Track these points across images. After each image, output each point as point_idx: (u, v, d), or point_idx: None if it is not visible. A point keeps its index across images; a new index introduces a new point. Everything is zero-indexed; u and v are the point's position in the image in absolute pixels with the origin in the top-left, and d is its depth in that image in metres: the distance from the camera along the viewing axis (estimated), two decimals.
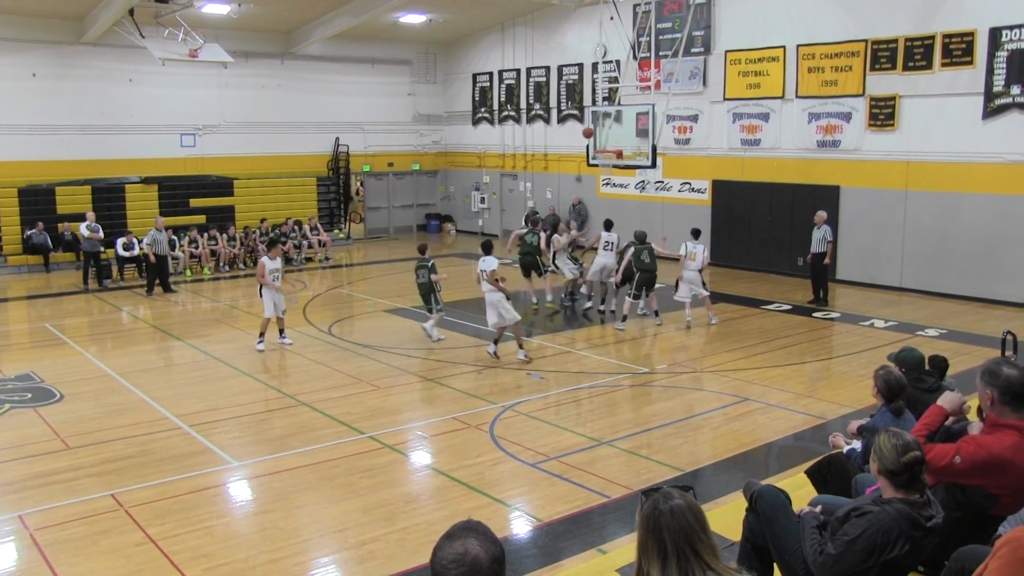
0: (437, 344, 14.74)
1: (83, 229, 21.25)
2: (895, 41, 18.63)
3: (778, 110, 21.05)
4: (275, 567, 7.11)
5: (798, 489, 6.05)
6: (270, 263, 14.51)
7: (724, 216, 22.72)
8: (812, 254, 17.88)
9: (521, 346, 13.79)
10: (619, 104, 20.08)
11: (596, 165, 20.54)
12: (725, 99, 22.17)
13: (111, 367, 13.52)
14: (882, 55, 18.89)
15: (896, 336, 14.82)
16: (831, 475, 6.15)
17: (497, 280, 13.44)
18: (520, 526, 7.93)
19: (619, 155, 18.64)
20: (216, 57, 22.89)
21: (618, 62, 22.01)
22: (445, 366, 13.44)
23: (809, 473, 6.35)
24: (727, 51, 21.98)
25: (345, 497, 8.49)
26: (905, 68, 18.50)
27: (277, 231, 24.04)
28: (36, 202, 23.88)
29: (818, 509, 4.98)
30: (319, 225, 26.50)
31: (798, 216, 19.75)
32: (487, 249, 14.06)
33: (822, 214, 17.85)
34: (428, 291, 14.79)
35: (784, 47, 20.66)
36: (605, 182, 25.83)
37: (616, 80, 21.15)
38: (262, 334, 14.52)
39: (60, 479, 9.02)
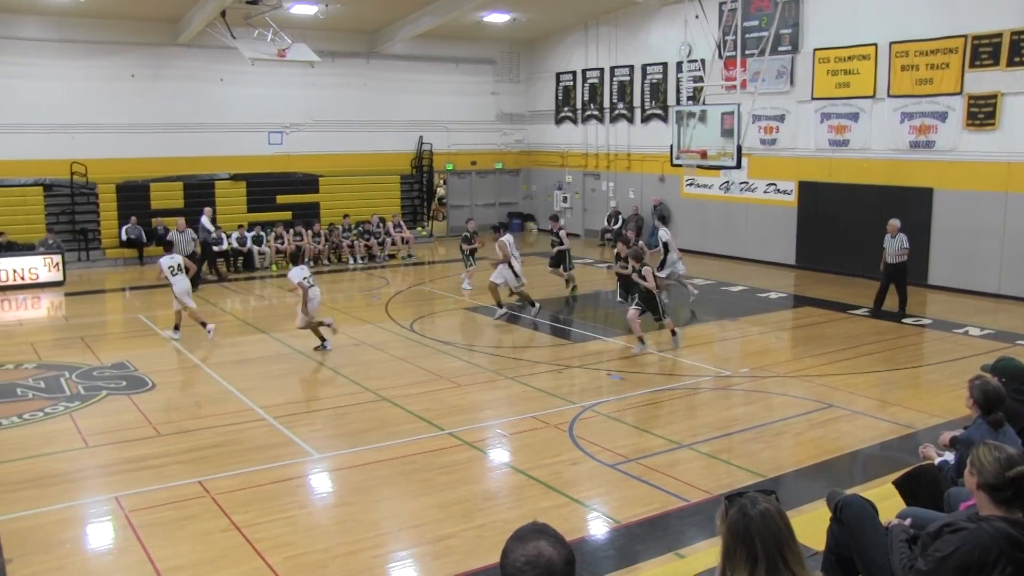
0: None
1: (204, 222, 22.02)
2: (999, 36, 17.91)
3: (868, 110, 20.50)
4: (353, 559, 7.21)
5: (884, 500, 5.87)
6: (300, 272, 14.31)
7: (810, 218, 22.22)
8: (889, 264, 16.76)
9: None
10: (704, 104, 19.79)
11: (680, 165, 20.33)
12: (813, 98, 21.68)
13: (199, 358, 13.90)
14: (983, 51, 18.19)
15: (992, 345, 14.28)
16: (921, 487, 5.93)
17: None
18: (597, 527, 7.89)
19: (703, 155, 18.42)
20: (303, 57, 23.34)
21: (703, 61, 21.74)
22: (525, 365, 13.45)
23: (897, 484, 6.14)
24: (815, 49, 21.49)
25: (423, 492, 8.56)
26: (1010, 64, 17.77)
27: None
28: (131, 198, 24.72)
29: (907, 522, 4.81)
30: (402, 222, 26.81)
31: (887, 219, 19.18)
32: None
33: (895, 223, 16.84)
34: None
35: (876, 45, 20.09)
36: (689, 183, 25.52)
37: (701, 79, 20.86)
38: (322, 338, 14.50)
39: (151, 464, 9.32)
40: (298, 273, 14.20)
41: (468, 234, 20.52)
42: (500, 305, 16.66)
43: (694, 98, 21.60)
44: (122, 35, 24.63)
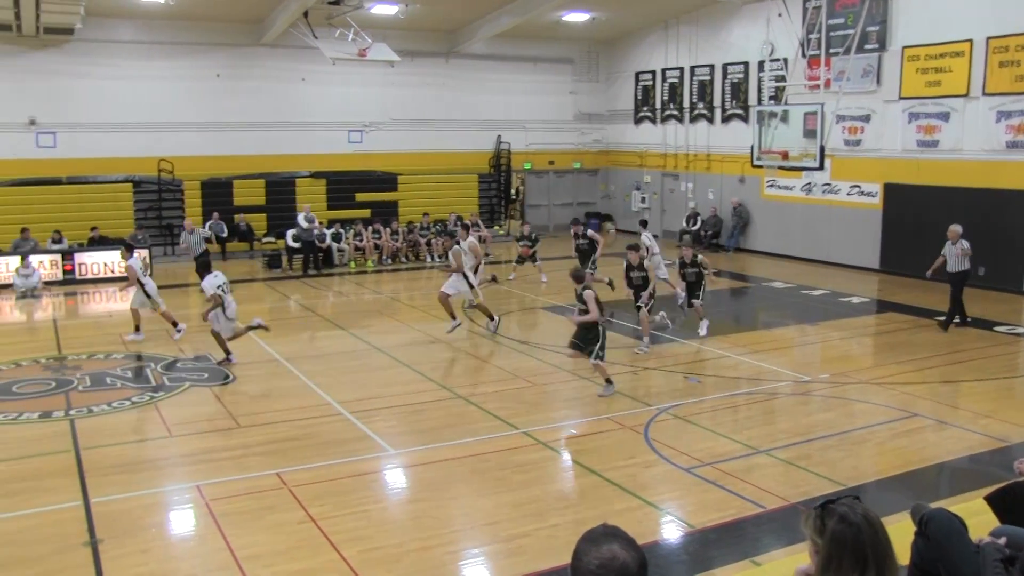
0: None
1: (301, 220, 22.52)
2: None
3: (960, 109, 19.82)
4: (427, 555, 7.25)
5: (974, 516, 5.64)
6: (214, 281, 13.61)
7: (896, 221, 21.59)
8: (951, 273, 15.40)
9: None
10: (786, 104, 19.42)
11: (761, 166, 19.99)
12: (900, 98, 21.05)
13: (279, 352, 14.15)
14: None
15: None
16: (1017, 504, 5.66)
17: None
18: (671, 531, 7.80)
19: (785, 156, 18.07)
20: (384, 56, 23.61)
21: (785, 60, 21.32)
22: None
23: (990, 500, 5.88)
24: (904, 47, 20.86)
25: (497, 491, 8.57)
26: None
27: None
28: (215, 194, 25.36)
29: (1002, 541, 4.61)
30: (480, 221, 26.92)
31: (980, 222, 18.48)
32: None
33: (956, 228, 15.54)
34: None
35: (971, 40, 19.38)
36: (769, 184, 25.07)
37: (783, 79, 20.47)
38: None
39: (231, 455, 9.54)
40: (212, 282, 13.47)
41: (522, 235, 21.29)
42: (453, 317, 15.23)
43: (776, 98, 21.21)
44: (208, 36, 25.28)
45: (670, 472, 9.01)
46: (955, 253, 15.30)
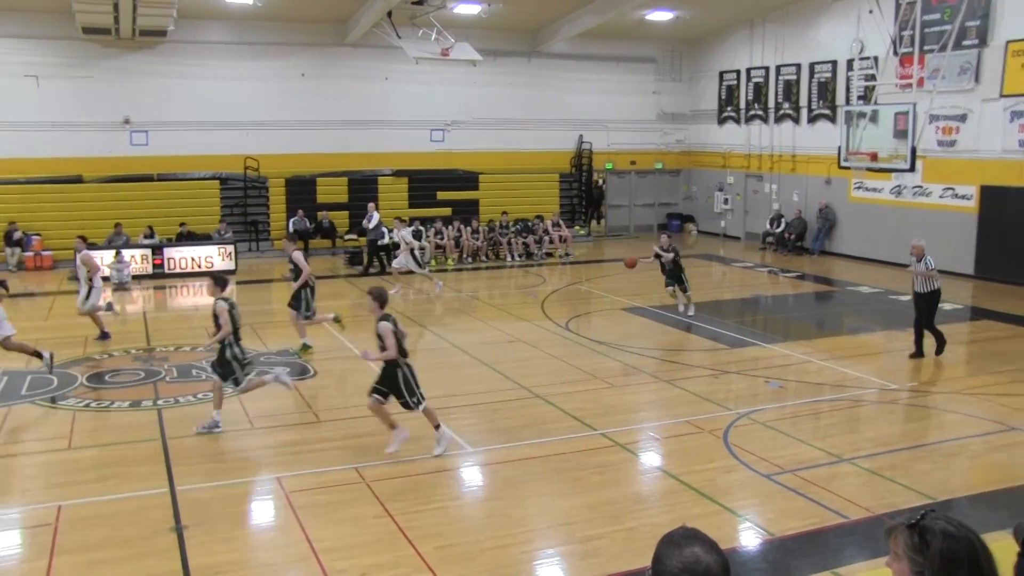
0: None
1: (376, 217, 22.87)
2: None
3: None
4: (502, 553, 7.25)
5: None
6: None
7: (994, 225, 20.74)
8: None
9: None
10: (875, 103, 18.87)
11: (848, 168, 19.48)
12: (1002, 96, 20.14)
13: (359, 348, 14.28)
14: None
15: None
16: None
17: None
18: (749, 538, 7.64)
19: (873, 157, 17.59)
20: (466, 56, 23.73)
21: (876, 58, 20.70)
22: (681, 368, 13.20)
23: None
24: (1009, 41, 19.87)
25: (573, 492, 8.52)
26: None
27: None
28: (299, 192, 25.84)
29: None
30: (561, 221, 26.88)
31: None
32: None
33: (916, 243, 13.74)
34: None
35: None
36: (857, 186, 24.41)
37: (873, 77, 19.88)
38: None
39: (311, 449, 9.69)
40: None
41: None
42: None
43: (865, 97, 20.63)
44: (294, 37, 25.77)
45: (750, 478, 8.84)
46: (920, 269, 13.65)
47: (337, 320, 14.06)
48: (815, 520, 7.81)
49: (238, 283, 21.36)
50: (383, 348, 9.29)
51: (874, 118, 17.71)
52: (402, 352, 9.32)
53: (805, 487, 8.52)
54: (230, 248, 22.91)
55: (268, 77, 25.89)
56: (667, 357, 13.91)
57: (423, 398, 9.49)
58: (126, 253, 21.51)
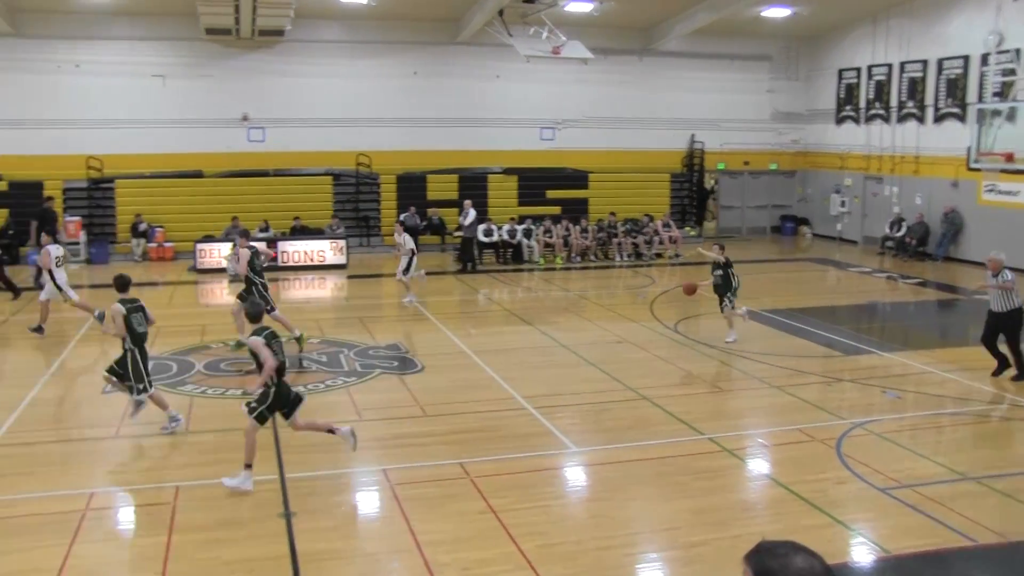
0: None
1: (470, 215, 23.04)
2: None
3: None
4: (604, 555, 7.15)
5: None
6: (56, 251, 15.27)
7: None
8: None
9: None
10: (1015, 100, 17.90)
11: (979, 169, 18.59)
12: None
13: (467, 345, 14.41)
14: None
15: None
16: None
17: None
18: (863, 554, 7.34)
19: (1009, 158, 16.74)
20: (577, 54, 23.63)
21: (1017, 51, 19.58)
22: (792, 374, 12.79)
23: None
24: None
25: (678, 496, 8.36)
26: None
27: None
28: (410, 188, 26.22)
29: None
30: (671, 222, 26.52)
31: None
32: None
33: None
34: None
35: None
36: (988, 188, 23.19)
37: (1012, 72, 18.83)
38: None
39: (417, 442, 9.77)
40: (54, 251, 15.14)
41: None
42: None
43: (1002, 94, 19.60)
44: (406, 35, 26.17)
45: (864, 491, 8.47)
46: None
47: (298, 340, 13.89)
48: (936, 540, 7.42)
49: (349, 277, 21.82)
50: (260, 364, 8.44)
51: (1011, 116, 16.88)
52: (279, 372, 8.43)
53: (925, 504, 8.10)
54: (342, 243, 23.40)
55: (381, 75, 26.36)
56: (778, 362, 13.51)
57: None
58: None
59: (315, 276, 22.15)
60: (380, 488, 8.57)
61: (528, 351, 14.38)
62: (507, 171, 27.24)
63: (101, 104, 24.30)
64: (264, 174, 25.68)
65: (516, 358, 13.81)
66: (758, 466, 9.46)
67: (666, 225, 26.05)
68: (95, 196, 24.68)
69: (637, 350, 14.20)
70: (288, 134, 25.57)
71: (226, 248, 21.94)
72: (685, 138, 29.19)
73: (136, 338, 9.83)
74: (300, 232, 24.23)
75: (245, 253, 14.07)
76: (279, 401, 8.38)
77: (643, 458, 9.33)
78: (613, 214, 25.75)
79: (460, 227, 23.20)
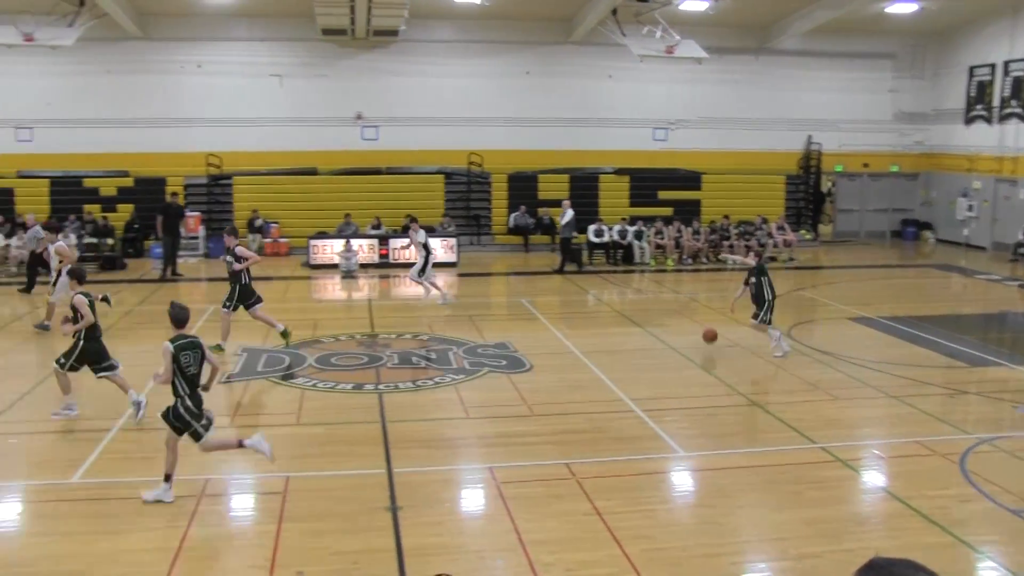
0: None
1: (567, 215, 23.01)
2: None
3: None
4: (711, 562, 7.01)
5: None
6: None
7: None
8: None
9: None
10: None
11: None
12: None
13: (575, 345, 14.34)
14: None
15: None
16: None
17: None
18: None
19: None
20: (691, 53, 23.31)
21: None
22: (912, 384, 12.26)
23: None
24: None
25: (789, 505, 8.12)
26: None
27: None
28: (521, 187, 26.30)
29: None
30: (786, 225, 25.88)
31: None
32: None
33: None
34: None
35: None
36: None
37: None
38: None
39: (523, 442, 9.76)
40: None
41: None
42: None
43: None
44: (519, 35, 26.27)
45: (991, 511, 8.04)
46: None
47: (284, 335, 13.85)
48: None
49: (459, 275, 22.03)
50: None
51: None
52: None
53: None
54: (452, 241, 23.65)
55: (493, 75, 26.55)
56: (897, 372, 12.98)
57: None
58: (354, 242, 22.66)
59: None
60: (486, 486, 8.60)
61: (637, 353, 14.22)
62: (619, 171, 27.05)
63: (221, 103, 25.23)
64: (377, 172, 26.18)
65: (625, 360, 13.67)
66: (873, 478, 9.10)
67: (780, 228, 25.43)
68: (214, 192, 25.62)
69: (748, 355, 13.87)
70: (401, 133, 26.00)
71: (339, 244, 22.46)
72: (801, 139, 28.44)
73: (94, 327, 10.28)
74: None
75: (243, 249, 14.02)
76: (191, 411, 7.99)
77: (752, 465, 9.11)
78: (727, 217, 25.28)
79: (557, 226, 23.20)
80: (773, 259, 24.52)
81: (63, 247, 15.25)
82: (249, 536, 7.54)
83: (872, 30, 27.69)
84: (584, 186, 26.43)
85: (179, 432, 7.95)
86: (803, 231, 27.70)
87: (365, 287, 20.73)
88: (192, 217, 24.26)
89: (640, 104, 27.15)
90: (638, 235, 24.13)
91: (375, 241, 23.44)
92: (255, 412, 10.41)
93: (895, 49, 28.85)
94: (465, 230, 25.75)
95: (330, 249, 22.86)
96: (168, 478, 7.94)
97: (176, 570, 6.75)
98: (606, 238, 23.98)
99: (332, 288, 20.76)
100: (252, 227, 24.73)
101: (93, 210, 24.11)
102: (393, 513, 7.79)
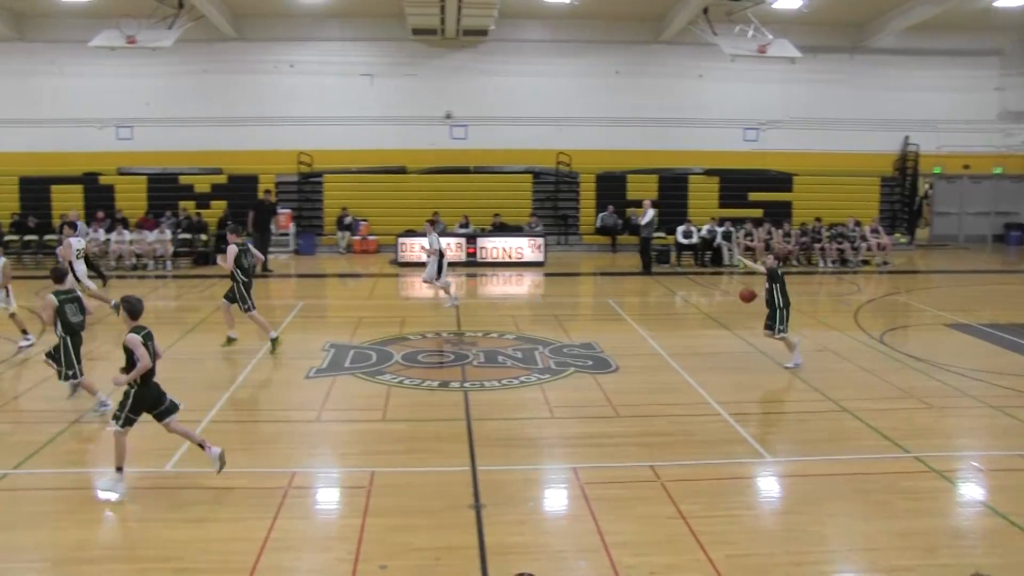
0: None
1: (647, 215, 22.82)
2: None
3: None
4: (797, 570, 6.86)
5: None
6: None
7: None
8: None
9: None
10: None
11: None
12: None
13: (662, 346, 14.22)
14: None
15: None
16: None
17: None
18: None
19: None
20: (784, 52, 22.92)
21: None
22: (1015, 395, 11.78)
23: None
24: None
25: (879, 515, 7.89)
26: None
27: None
28: (609, 188, 26.22)
29: None
30: (880, 228, 25.20)
31: None
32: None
33: None
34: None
35: None
36: None
37: None
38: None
39: (608, 443, 9.72)
40: (76, 243, 15.08)
41: None
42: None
43: None
44: (609, 34, 26.19)
45: None
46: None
47: (273, 342, 13.69)
48: None
49: (546, 275, 22.05)
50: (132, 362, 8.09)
51: None
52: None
53: None
54: (540, 241, 23.70)
55: (582, 74, 26.53)
56: (998, 381, 12.51)
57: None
58: (443, 241, 22.84)
59: (513, 273, 22.54)
60: (569, 486, 8.59)
61: (724, 356, 14.01)
62: (708, 172, 26.74)
63: (312, 102, 25.81)
64: (465, 171, 26.40)
65: (711, 362, 13.49)
66: (972, 491, 8.78)
67: (874, 231, 24.76)
68: (304, 190, 26.21)
69: (839, 360, 13.56)
70: (490, 132, 26.18)
71: (426, 242, 22.70)
72: (898, 140, 27.69)
73: (68, 327, 10.19)
74: (499, 229, 24.74)
75: (232, 250, 13.82)
76: (144, 403, 8.10)
77: (842, 473, 8.89)
78: (819, 220, 24.74)
79: (638, 227, 23.01)
80: (866, 263, 23.93)
81: (65, 246, 15.20)
82: (334, 529, 7.69)
83: (978, 26, 26.76)
84: (673, 186, 26.21)
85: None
86: (898, 234, 26.92)
87: (452, 285, 20.89)
88: (283, 214, 24.83)
89: (731, 104, 26.79)
90: (726, 236, 23.80)
91: (463, 240, 23.63)
92: (342, 407, 10.59)
93: (1003, 45, 27.90)
94: (552, 230, 25.78)
95: (418, 247, 23.12)
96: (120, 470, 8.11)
97: (263, 560, 6.91)
98: (694, 239, 23.72)
99: (419, 286, 20.98)
100: (341, 224, 25.20)
101: (188, 206, 24.91)
102: (476, 511, 7.84)
